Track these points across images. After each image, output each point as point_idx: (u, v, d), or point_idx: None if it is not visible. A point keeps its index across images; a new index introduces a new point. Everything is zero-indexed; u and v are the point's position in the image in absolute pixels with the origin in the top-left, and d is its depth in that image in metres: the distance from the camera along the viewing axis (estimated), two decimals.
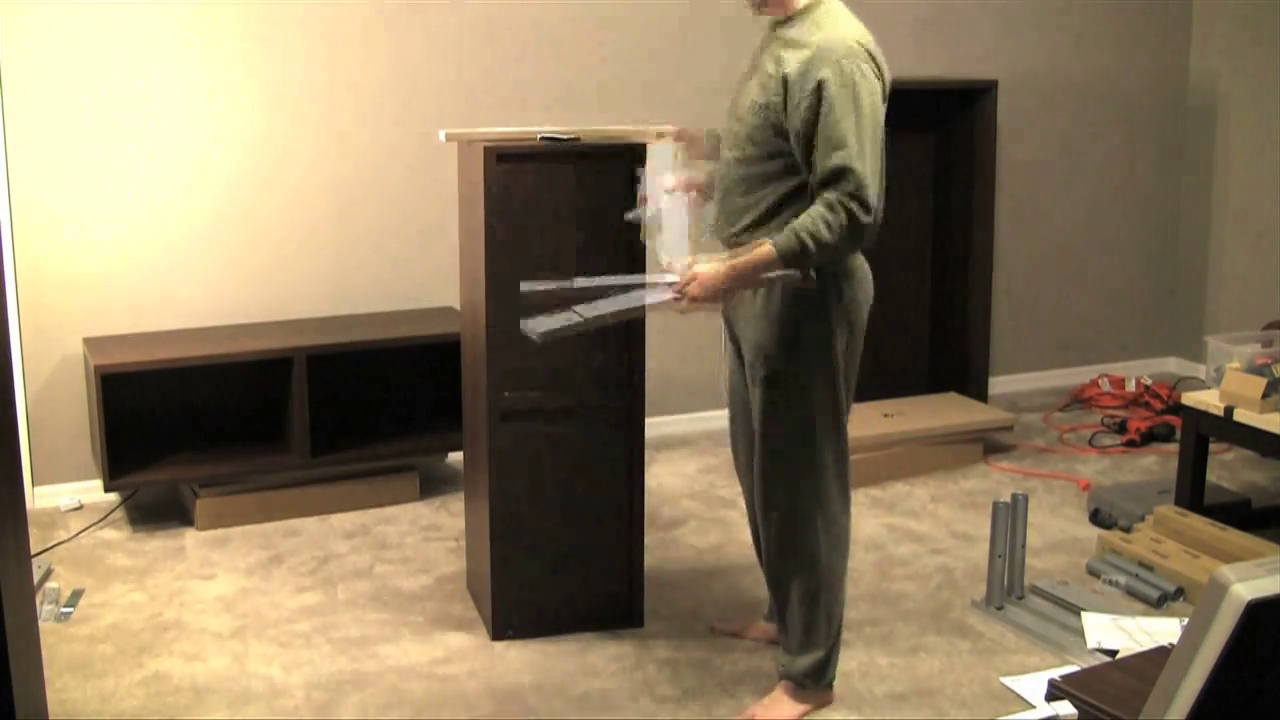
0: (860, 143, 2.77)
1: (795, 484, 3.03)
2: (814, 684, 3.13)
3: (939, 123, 5.53)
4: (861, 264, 3.01)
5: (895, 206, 5.56)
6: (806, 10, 2.92)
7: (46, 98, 4.23)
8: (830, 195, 2.77)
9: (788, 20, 2.95)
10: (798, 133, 2.83)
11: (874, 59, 2.85)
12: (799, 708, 3.12)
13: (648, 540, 3.94)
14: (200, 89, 4.41)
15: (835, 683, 3.19)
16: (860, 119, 2.78)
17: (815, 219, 2.78)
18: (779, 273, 2.84)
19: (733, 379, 3.24)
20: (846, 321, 2.98)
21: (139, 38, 4.31)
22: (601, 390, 3.44)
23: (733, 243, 2.98)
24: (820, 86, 2.78)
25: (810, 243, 2.77)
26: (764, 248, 2.82)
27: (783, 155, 2.90)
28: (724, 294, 2.91)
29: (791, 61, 2.83)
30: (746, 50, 5.38)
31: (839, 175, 2.76)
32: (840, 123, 2.76)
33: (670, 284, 2.92)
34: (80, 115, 4.27)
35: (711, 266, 2.88)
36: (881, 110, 2.87)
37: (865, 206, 2.77)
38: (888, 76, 2.89)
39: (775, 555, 3.11)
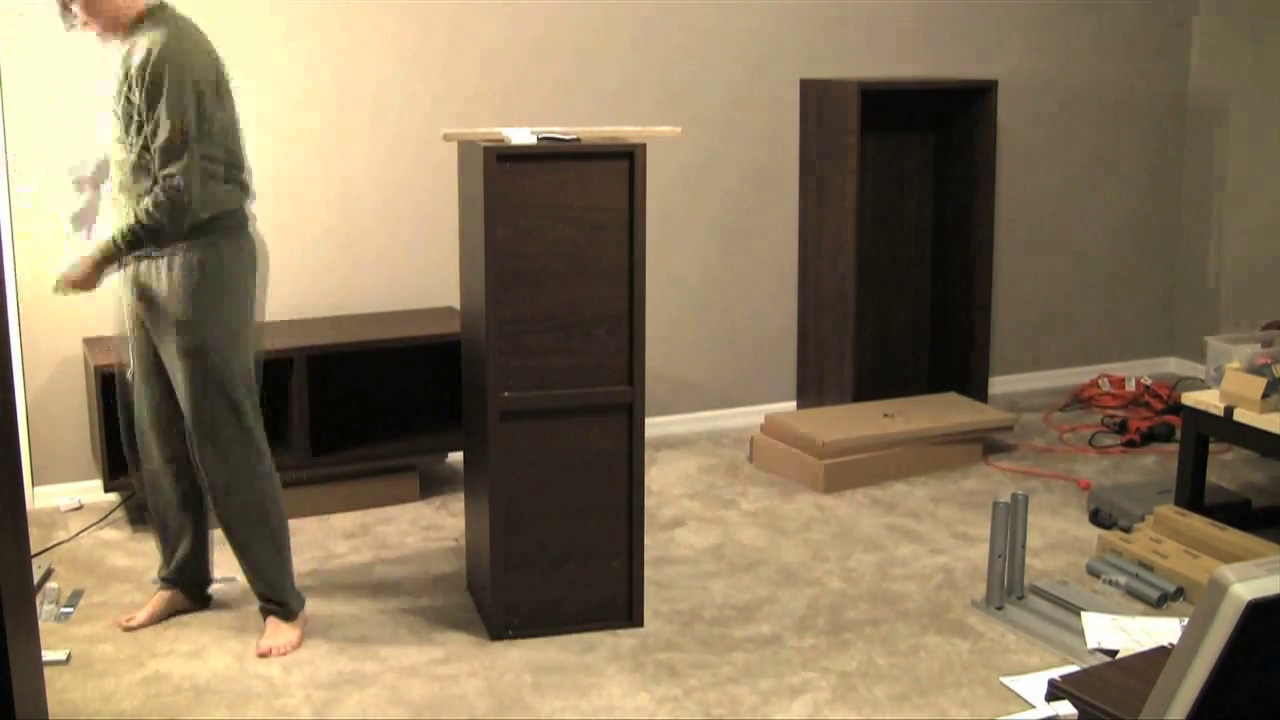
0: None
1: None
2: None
3: (939, 123, 5.53)
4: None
5: (896, 206, 5.59)
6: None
7: (46, 96, 4.23)
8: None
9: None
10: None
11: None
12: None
13: (648, 540, 3.94)
14: None
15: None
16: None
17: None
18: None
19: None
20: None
21: None
22: (601, 389, 3.44)
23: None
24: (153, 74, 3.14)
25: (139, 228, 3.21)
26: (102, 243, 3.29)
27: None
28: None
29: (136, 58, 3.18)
30: (741, 51, 5.38)
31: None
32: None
33: None
34: (80, 114, 4.27)
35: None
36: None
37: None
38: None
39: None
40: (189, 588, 3.66)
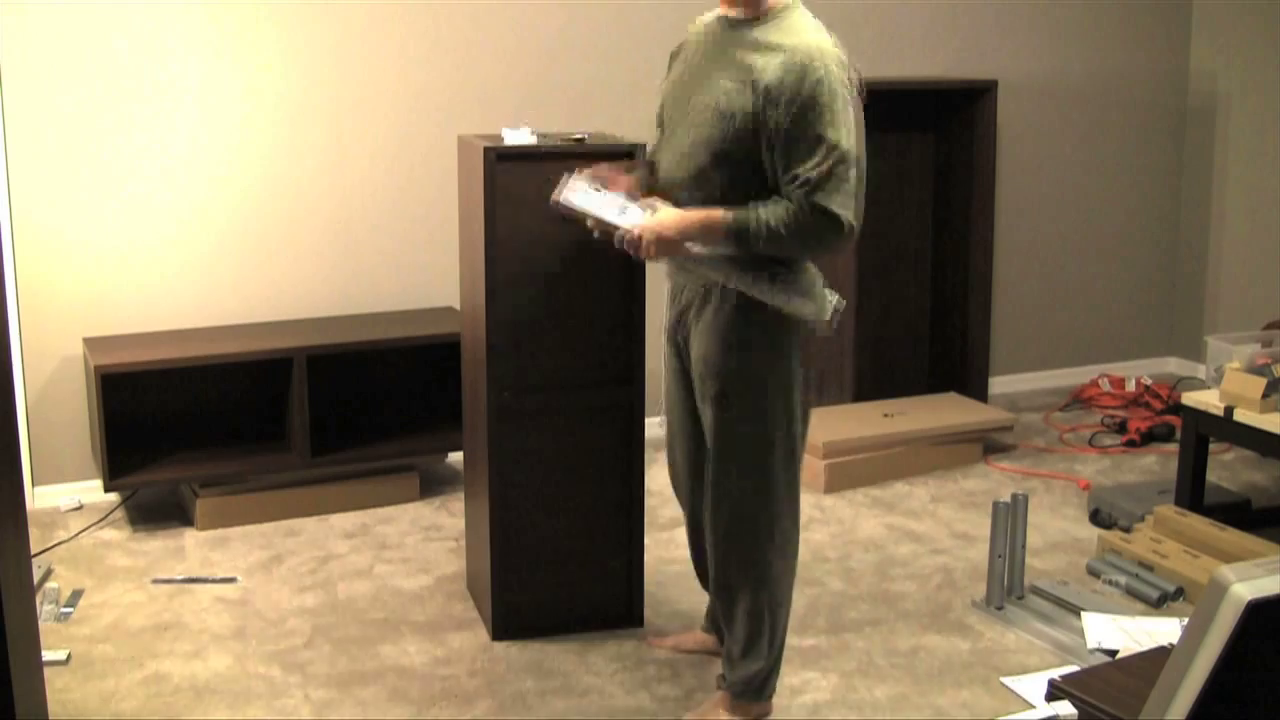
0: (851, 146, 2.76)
1: (749, 500, 2.99)
2: (753, 696, 3.09)
3: (939, 123, 5.53)
4: (815, 280, 2.94)
5: (896, 206, 5.58)
6: (777, 13, 2.84)
7: (47, 98, 4.23)
8: (803, 198, 2.73)
9: (753, 21, 2.84)
10: (772, 138, 2.75)
11: (845, 67, 2.80)
12: (734, 718, 3.10)
13: (648, 540, 3.94)
14: (200, 90, 4.41)
15: (776, 696, 3.15)
16: (849, 126, 2.76)
17: (781, 212, 2.75)
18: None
19: (674, 392, 3.17)
20: (798, 334, 2.92)
21: (139, 38, 4.31)
22: (601, 389, 3.44)
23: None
24: (807, 91, 2.71)
25: (763, 228, 2.74)
26: (717, 213, 2.78)
27: (747, 160, 2.80)
28: (669, 246, 2.83)
29: (768, 68, 2.74)
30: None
31: (826, 176, 2.72)
32: (829, 128, 2.72)
33: (637, 221, 2.86)
34: (81, 115, 4.27)
35: (669, 213, 2.84)
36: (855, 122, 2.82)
37: (842, 216, 2.75)
38: (856, 85, 2.84)
39: (728, 569, 3.05)
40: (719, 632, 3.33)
